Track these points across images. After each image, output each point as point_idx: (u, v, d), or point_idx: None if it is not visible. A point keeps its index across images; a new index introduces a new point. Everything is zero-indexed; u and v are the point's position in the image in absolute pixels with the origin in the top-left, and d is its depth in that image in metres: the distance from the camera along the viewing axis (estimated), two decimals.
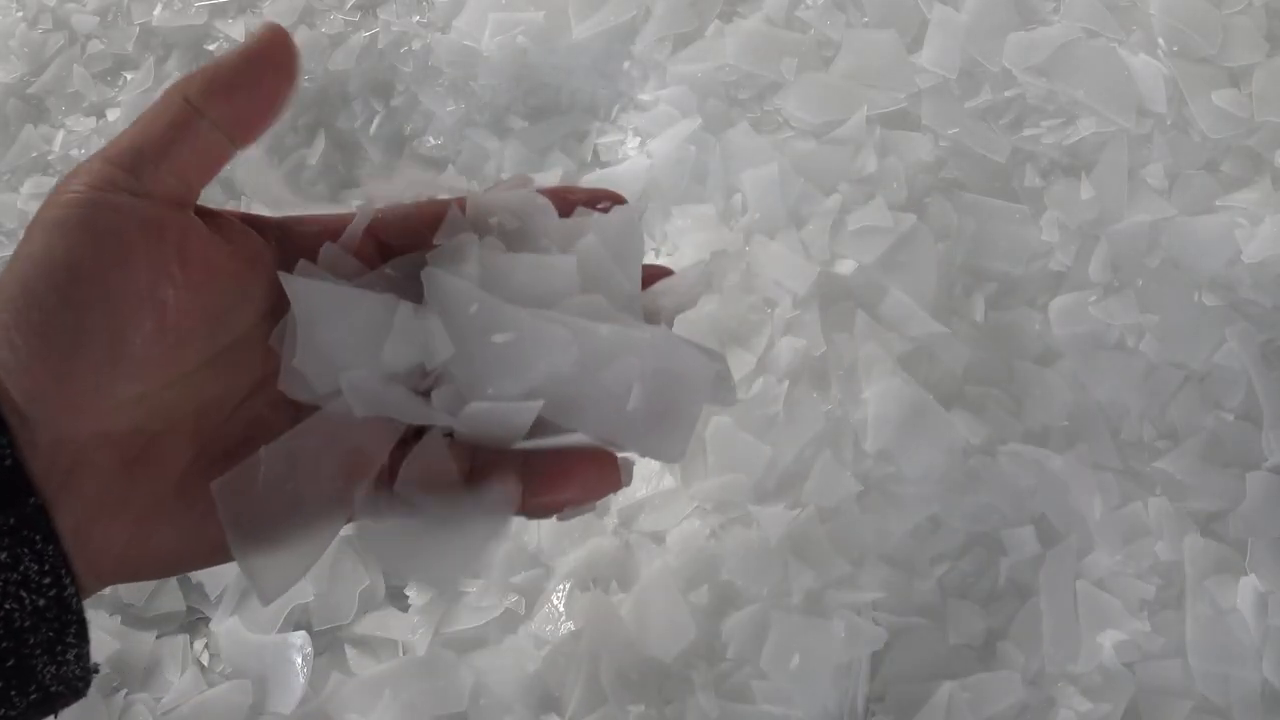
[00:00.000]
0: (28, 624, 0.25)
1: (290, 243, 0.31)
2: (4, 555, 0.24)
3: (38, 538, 0.25)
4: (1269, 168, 0.56)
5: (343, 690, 0.50)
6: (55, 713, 0.26)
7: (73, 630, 0.26)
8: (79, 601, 0.26)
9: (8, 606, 0.24)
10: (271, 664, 0.50)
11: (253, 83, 0.27)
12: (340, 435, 0.28)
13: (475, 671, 0.50)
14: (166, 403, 0.27)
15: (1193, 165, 0.56)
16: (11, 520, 0.24)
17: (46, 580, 0.25)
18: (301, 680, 0.50)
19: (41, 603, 0.25)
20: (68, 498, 0.26)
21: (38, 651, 0.25)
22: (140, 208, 0.26)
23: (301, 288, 0.28)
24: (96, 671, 0.27)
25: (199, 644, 0.52)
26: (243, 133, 0.27)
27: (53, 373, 0.25)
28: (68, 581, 0.25)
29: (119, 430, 0.26)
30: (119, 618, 0.52)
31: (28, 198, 0.65)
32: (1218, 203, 0.55)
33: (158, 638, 0.52)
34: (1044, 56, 0.58)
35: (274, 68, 0.27)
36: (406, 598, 0.52)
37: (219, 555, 0.28)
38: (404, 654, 0.51)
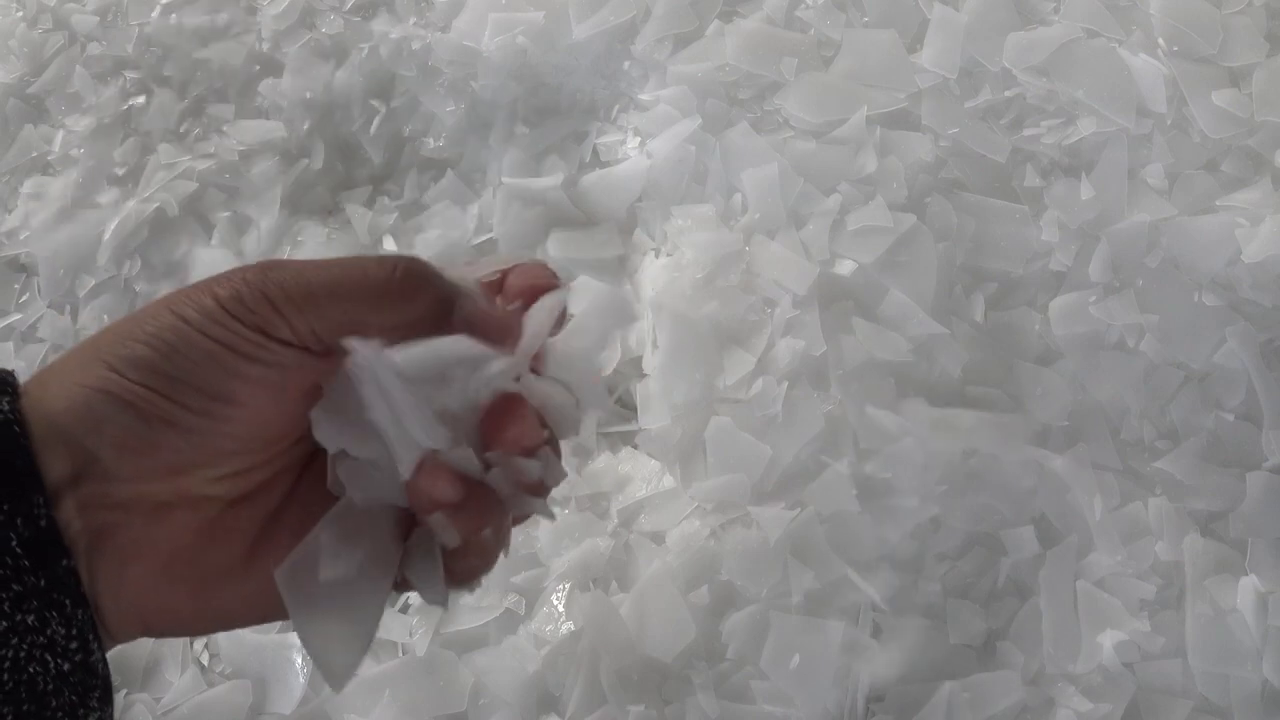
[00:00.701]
0: (51, 687, 0.24)
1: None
2: (32, 618, 0.24)
3: (67, 601, 0.24)
4: (1269, 168, 0.56)
5: (342, 690, 0.50)
6: None
7: (96, 695, 0.25)
8: (105, 666, 0.26)
9: (32, 670, 0.24)
10: (271, 664, 0.50)
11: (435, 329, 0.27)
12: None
13: (475, 671, 0.50)
14: (249, 478, 0.28)
15: (1193, 165, 0.56)
16: (42, 582, 0.24)
17: (74, 645, 0.24)
18: (301, 680, 0.50)
19: (66, 667, 0.24)
20: (139, 554, 0.26)
21: (60, 714, 0.24)
22: (270, 355, 0.26)
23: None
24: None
25: (199, 644, 0.52)
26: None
27: (143, 443, 0.25)
28: (95, 646, 0.25)
29: (197, 495, 0.27)
30: None
31: (28, 197, 0.65)
32: (1218, 203, 0.55)
33: (158, 638, 0.52)
34: (1044, 56, 0.58)
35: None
36: (407, 598, 0.52)
37: (270, 617, 0.28)
38: (404, 654, 0.51)
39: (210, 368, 0.26)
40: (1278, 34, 0.59)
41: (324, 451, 0.29)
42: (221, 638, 0.51)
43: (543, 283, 0.31)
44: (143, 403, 0.25)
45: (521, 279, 0.31)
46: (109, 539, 0.25)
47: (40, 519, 0.24)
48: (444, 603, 0.29)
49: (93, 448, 0.25)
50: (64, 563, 0.24)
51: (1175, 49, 0.58)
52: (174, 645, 0.52)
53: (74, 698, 0.25)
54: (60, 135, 0.67)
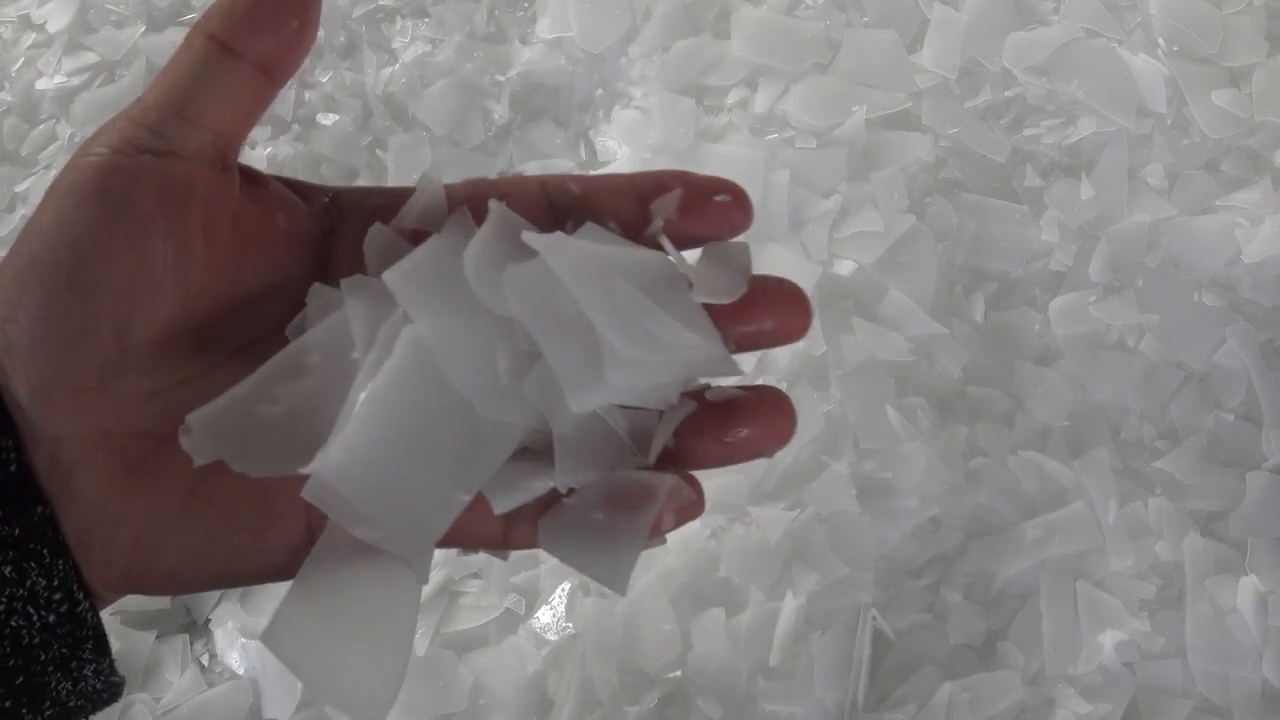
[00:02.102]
0: (37, 640, 0.23)
1: (342, 218, 0.27)
2: (9, 569, 0.22)
3: (45, 550, 0.23)
4: (1269, 168, 0.56)
5: None
6: None
7: (89, 646, 0.24)
8: (94, 616, 0.24)
9: (15, 624, 0.23)
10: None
11: (278, 8, 0.23)
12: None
13: (475, 671, 0.50)
14: (182, 400, 0.24)
15: (1193, 165, 0.56)
16: (17, 531, 0.23)
17: (57, 596, 0.23)
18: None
19: (52, 619, 0.23)
20: (69, 502, 0.24)
21: (50, 669, 0.23)
22: (163, 168, 0.23)
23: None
24: (124, 681, 0.26)
25: (199, 644, 0.52)
26: (277, 66, 0.24)
27: (55, 362, 0.23)
28: (80, 596, 0.24)
29: (125, 430, 0.24)
30: (119, 617, 0.52)
31: (20, 198, 0.65)
32: (1218, 203, 0.55)
33: (157, 638, 0.52)
34: (1044, 56, 0.58)
35: None
36: None
37: (228, 580, 0.26)
38: None
39: (99, 227, 0.22)
40: (1278, 34, 0.59)
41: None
42: (221, 637, 0.51)
43: (717, 204, 0.26)
44: (44, 306, 0.23)
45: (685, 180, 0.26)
46: (47, 485, 0.23)
47: (10, 464, 0.23)
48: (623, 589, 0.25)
49: (8, 385, 0.23)
50: (39, 510, 0.23)
51: (1175, 49, 0.58)
52: (174, 645, 0.52)
53: (64, 650, 0.24)
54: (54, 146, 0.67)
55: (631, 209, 0.26)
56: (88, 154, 0.23)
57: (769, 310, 0.26)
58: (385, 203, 0.27)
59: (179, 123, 0.23)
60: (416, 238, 0.26)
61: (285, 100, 0.65)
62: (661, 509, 0.25)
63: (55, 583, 0.23)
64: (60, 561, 0.23)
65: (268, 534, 0.26)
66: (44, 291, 0.22)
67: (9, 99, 0.66)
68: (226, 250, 0.24)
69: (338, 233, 0.27)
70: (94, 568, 0.24)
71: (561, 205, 0.27)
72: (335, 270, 0.26)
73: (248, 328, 0.25)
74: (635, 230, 0.26)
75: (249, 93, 0.24)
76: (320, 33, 0.66)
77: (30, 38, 0.68)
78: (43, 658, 0.23)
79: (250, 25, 0.23)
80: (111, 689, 0.25)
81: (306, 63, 0.66)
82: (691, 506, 0.26)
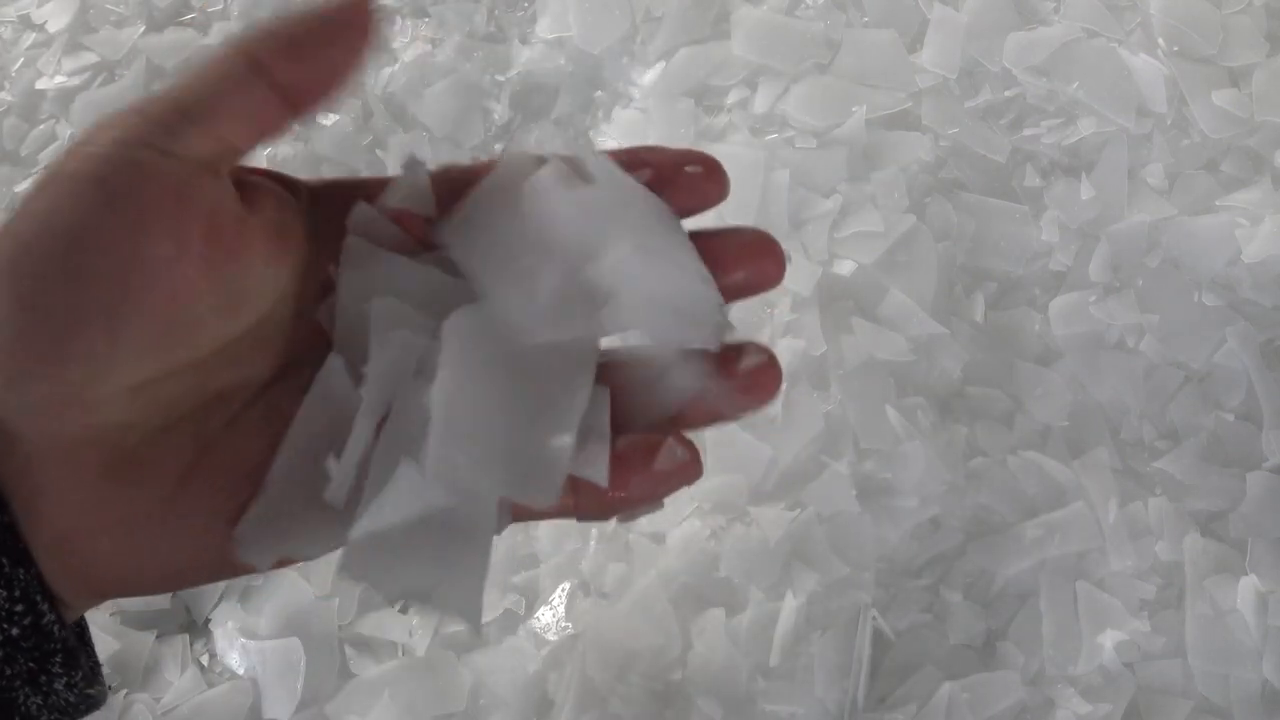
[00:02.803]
0: (0, 654, 0.22)
1: (326, 211, 0.27)
2: None
3: (4, 560, 0.22)
4: (1269, 168, 0.56)
5: (342, 691, 0.50)
6: None
7: (58, 660, 0.23)
8: (62, 629, 0.23)
9: None
10: (270, 665, 0.50)
11: (325, 45, 0.23)
12: None
13: (474, 671, 0.50)
14: (168, 395, 0.23)
15: (1193, 165, 0.56)
16: None
17: (19, 608, 0.22)
18: (300, 681, 0.50)
19: (15, 632, 0.22)
20: (50, 504, 0.22)
21: (16, 683, 0.23)
22: (169, 168, 0.22)
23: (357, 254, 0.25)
24: (104, 692, 0.25)
25: (199, 644, 0.52)
26: (303, 101, 0.24)
27: (41, 354, 0.22)
28: (45, 609, 0.23)
29: (110, 425, 0.23)
30: (118, 618, 0.52)
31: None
32: (1218, 203, 0.55)
33: (157, 638, 0.52)
34: (1044, 56, 0.58)
35: (352, 33, 0.23)
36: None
37: (221, 572, 0.25)
38: (403, 654, 0.51)
39: (98, 218, 0.22)
40: (1278, 34, 0.59)
41: (274, 372, 0.25)
42: (220, 637, 0.51)
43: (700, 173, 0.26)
44: (32, 296, 0.21)
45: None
46: (20, 488, 0.22)
47: None
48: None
49: None
50: None
51: (1175, 49, 0.58)
52: (174, 645, 0.52)
53: (31, 664, 0.23)
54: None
55: None
56: (92, 143, 0.22)
57: (741, 261, 0.26)
58: (369, 193, 0.27)
59: (191, 127, 0.23)
60: (401, 219, 0.26)
61: None
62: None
63: (16, 594, 0.22)
64: (21, 571, 0.22)
65: None
66: (33, 281, 0.21)
67: (9, 99, 0.66)
68: (224, 251, 0.24)
69: (324, 224, 0.26)
70: (77, 570, 0.23)
71: None
72: (325, 261, 0.26)
73: (236, 321, 0.25)
74: None
75: (267, 116, 0.24)
76: None
77: (30, 38, 0.68)
78: (7, 672, 0.22)
79: (288, 56, 0.23)
80: (87, 701, 0.25)
81: None
82: (687, 468, 0.25)
